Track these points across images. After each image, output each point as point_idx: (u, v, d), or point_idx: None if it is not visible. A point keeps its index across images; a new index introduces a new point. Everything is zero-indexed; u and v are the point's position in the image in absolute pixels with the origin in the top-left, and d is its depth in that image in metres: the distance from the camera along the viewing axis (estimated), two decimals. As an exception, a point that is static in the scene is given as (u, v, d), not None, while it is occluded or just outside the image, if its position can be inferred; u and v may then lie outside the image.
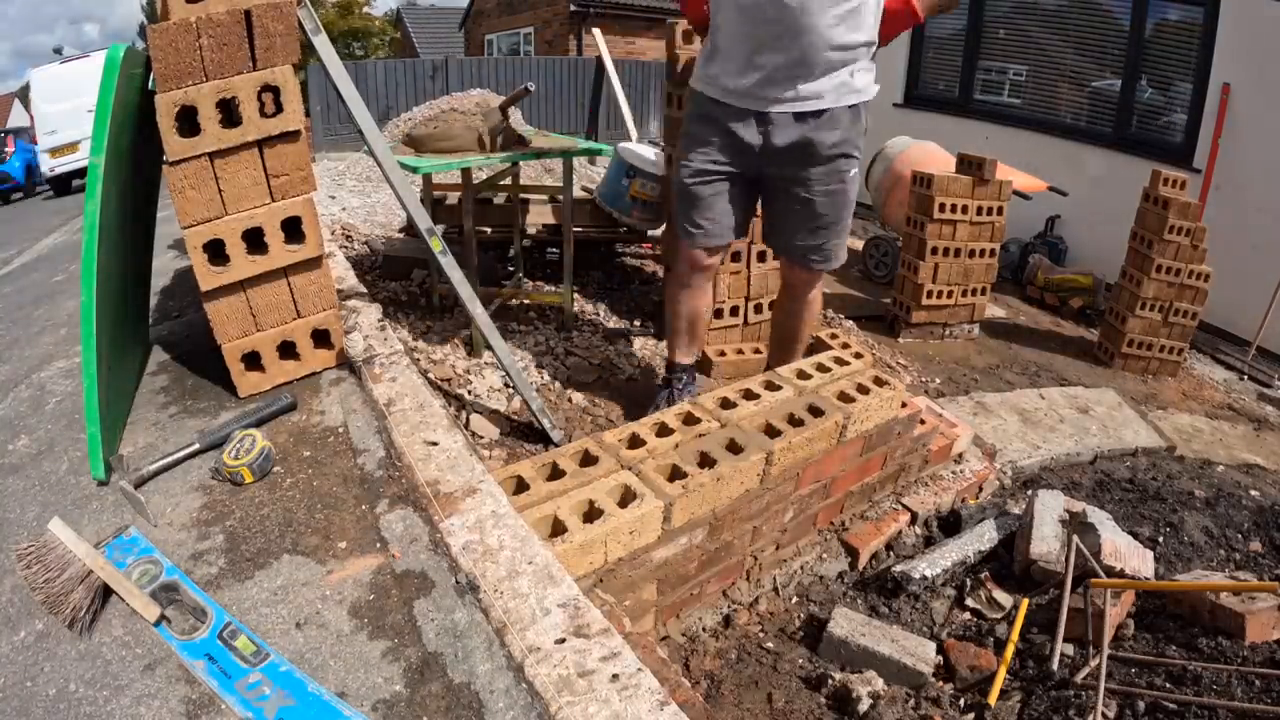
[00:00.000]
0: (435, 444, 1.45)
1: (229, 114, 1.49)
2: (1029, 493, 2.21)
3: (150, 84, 1.57)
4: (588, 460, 1.54)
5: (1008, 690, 1.60)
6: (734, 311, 2.81)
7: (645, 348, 2.81)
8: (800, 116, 1.92)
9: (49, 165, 9.41)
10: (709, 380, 2.68)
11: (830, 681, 1.56)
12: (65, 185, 9.70)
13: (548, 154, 2.56)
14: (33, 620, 1.08)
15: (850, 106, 1.94)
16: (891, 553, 2.02)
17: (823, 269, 2.15)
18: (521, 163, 2.99)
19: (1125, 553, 1.89)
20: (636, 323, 3.01)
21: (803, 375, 1.93)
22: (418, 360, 2.34)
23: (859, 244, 4.91)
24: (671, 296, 2.29)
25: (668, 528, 1.46)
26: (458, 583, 1.13)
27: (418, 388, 1.66)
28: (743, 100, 1.95)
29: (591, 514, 1.39)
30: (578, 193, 3.42)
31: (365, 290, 2.28)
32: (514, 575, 1.12)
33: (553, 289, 3.21)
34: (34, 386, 1.85)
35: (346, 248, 3.57)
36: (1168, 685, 1.60)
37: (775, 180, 2.05)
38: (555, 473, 1.49)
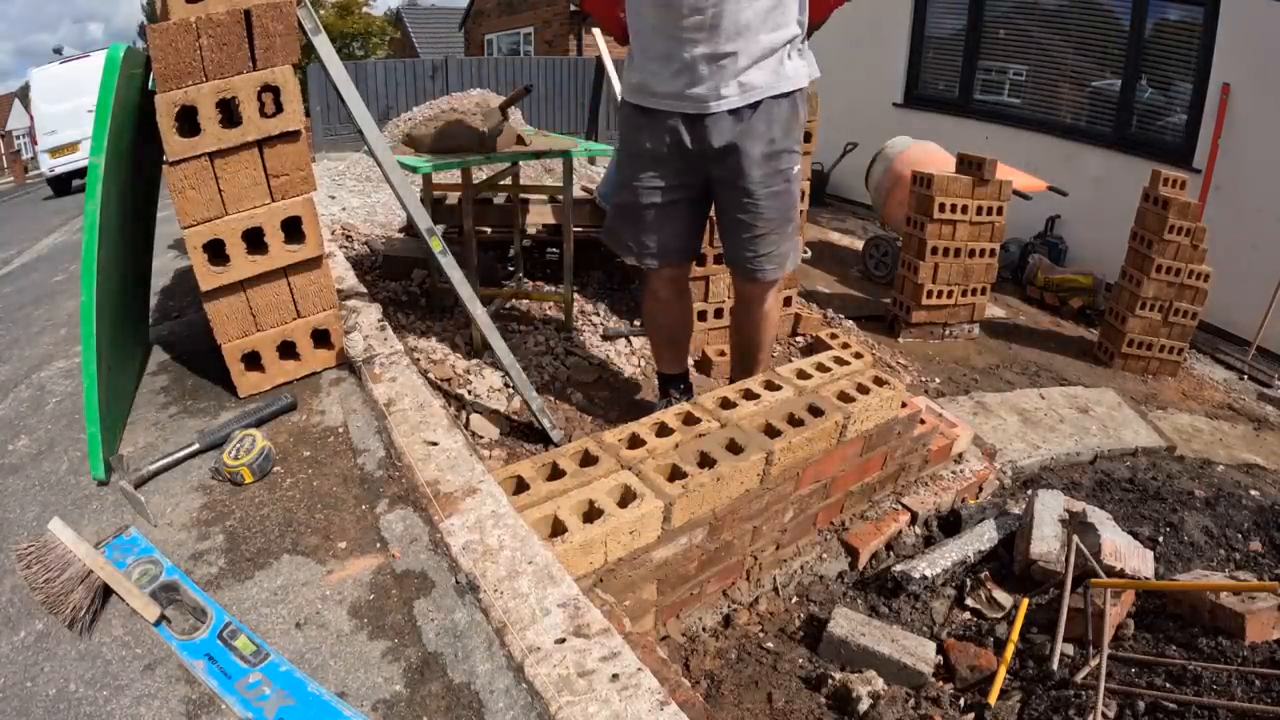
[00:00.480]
0: (435, 444, 1.45)
1: (229, 114, 1.49)
2: (1029, 492, 2.21)
3: (150, 84, 1.57)
4: (588, 460, 1.54)
5: (1008, 690, 1.61)
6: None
7: (645, 347, 2.80)
8: (735, 112, 1.82)
9: (49, 165, 9.40)
10: (709, 380, 2.68)
11: (830, 681, 1.56)
12: (65, 185, 9.69)
13: (548, 154, 2.56)
14: (33, 620, 1.08)
15: (787, 96, 1.85)
16: (891, 553, 2.02)
17: (774, 278, 2.04)
18: (521, 163, 3.00)
19: (1125, 552, 1.89)
20: (636, 323, 3.00)
21: (803, 375, 1.93)
22: (418, 360, 2.34)
23: (859, 244, 4.92)
24: (645, 312, 2.22)
25: (668, 528, 1.46)
26: (458, 583, 1.13)
27: (418, 388, 1.66)
28: (673, 103, 1.84)
29: (591, 514, 1.39)
30: (578, 193, 3.42)
31: (365, 290, 2.28)
32: (514, 575, 1.12)
33: (553, 289, 3.21)
34: (34, 386, 1.85)
35: (346, 248, 3.57)
36: (1168, 685, 1.60)
37: (718, 184, 1.96)
38: (555, 473, 1.49)
